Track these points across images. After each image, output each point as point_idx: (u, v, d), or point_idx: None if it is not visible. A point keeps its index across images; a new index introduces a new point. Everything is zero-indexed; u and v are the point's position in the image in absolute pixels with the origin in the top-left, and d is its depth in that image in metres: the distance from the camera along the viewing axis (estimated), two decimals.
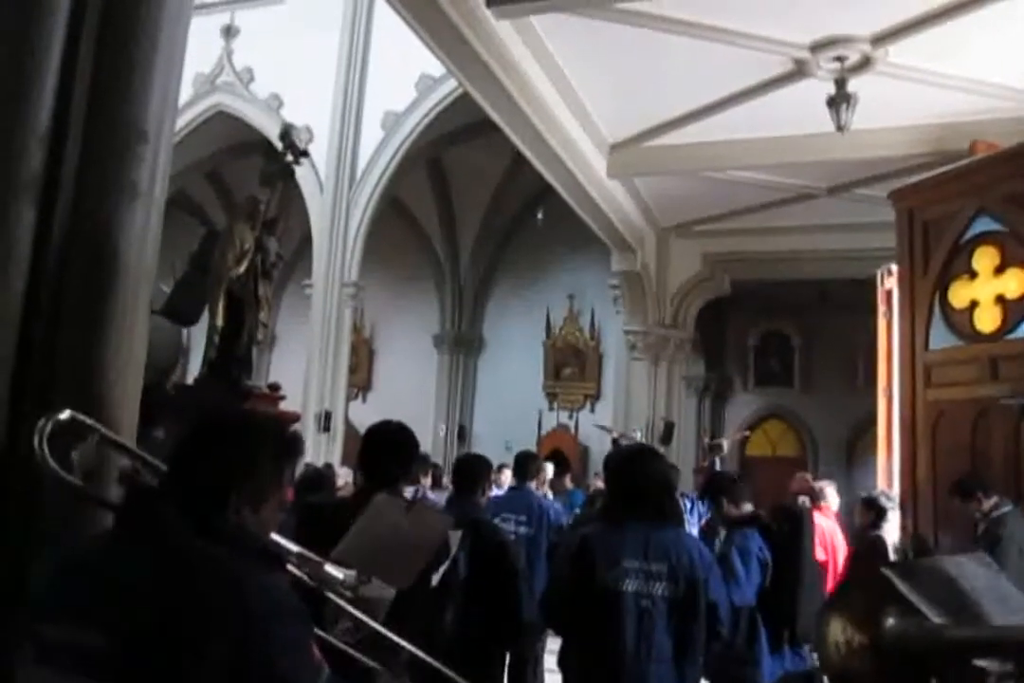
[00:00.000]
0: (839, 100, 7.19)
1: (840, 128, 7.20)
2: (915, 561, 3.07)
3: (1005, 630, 0.99)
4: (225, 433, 1.47)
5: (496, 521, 4.06)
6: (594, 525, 2.94)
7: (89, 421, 1.73)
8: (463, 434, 15.28)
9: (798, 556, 3.49)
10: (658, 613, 2.59)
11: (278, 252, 2.30)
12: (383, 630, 1.69)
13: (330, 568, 1.61)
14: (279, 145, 3.31)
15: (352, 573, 1.63)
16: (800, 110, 7.59)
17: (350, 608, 1.63)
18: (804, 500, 7.83)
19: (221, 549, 1.31)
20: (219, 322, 2.11)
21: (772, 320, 14.40)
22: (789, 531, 3.53)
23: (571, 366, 15.16)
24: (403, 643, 1.71)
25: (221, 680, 1.20)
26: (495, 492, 5.57)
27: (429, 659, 1.75)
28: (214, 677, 1.20)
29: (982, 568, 1.19)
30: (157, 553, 1.29)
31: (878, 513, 4.51)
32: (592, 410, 14.86)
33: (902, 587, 1.00)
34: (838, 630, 1.03)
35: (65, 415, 1.70)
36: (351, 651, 1.67)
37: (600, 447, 13.47)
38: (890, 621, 0.99)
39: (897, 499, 5.02)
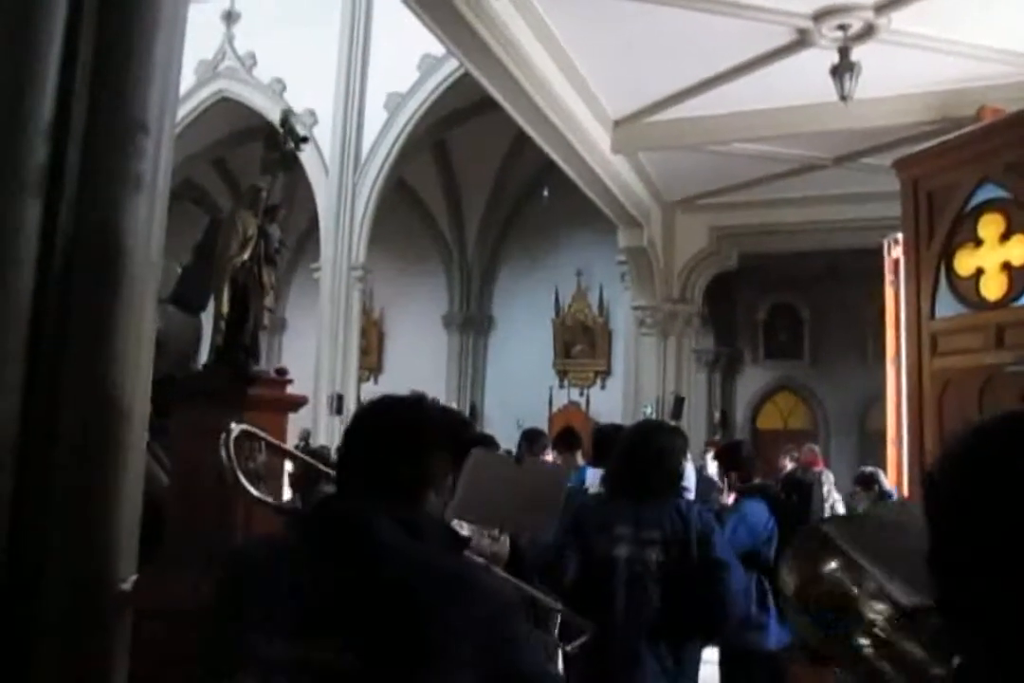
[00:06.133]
0: (843, 69, 7.14)
1: (844, 98, 7.15)
2: (860, 512, 3.12)
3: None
4: (406, 430, 1.40)
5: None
6: (593, 494, 3.01)
7: (261, 434, 1.85)
8: (474, 413, 15.38)
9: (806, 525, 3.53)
10: (651, 579, 2.65)
11: (281, 238, 2.34)
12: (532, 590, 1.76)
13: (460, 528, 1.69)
14: (298, 132, 3.33)
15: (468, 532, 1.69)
16: (804, 80, 7.55)
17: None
18: (822, 469, 7.91)
19: (434, 548, 1.29)
20: (224, 309, 2.16)
21: (781, 293, 14.37)
22: (798, 501, 3.58)
23: (580, 343, 15.19)
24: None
25: None
26: None
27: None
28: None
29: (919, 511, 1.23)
30: (377, 561, 1.24)
31: (880, 484, 4.55)
32: (603, 387, 14.91)
33: (839, 540, 1.04)
34: (785, 574, 1.08)
35: (238, 429, 1.87)
36: None
37: None
38: (826, 569, 1.03)
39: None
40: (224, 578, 1.38)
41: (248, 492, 1.73)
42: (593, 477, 4.09)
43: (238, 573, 1.37)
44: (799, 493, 3.65)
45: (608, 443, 4.09)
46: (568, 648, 1.78)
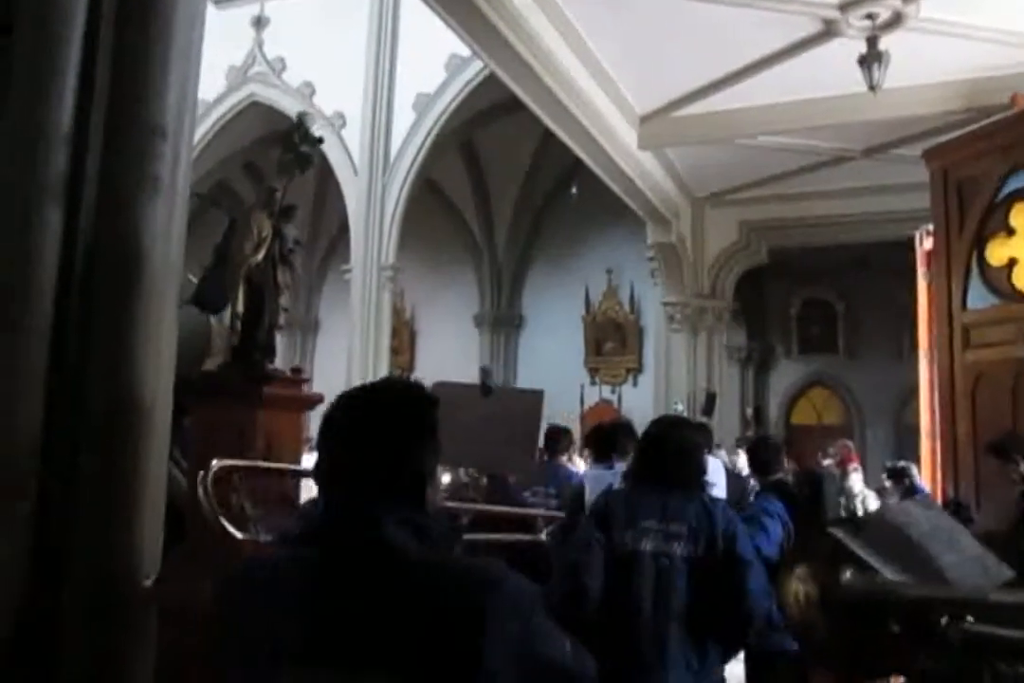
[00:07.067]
0: (871, 59, 7.04)
1: (873, 88, 7.06)
2: (864, 516, 3.10)
3: (950, 591, 1.02)
4: (401, 426, 1.27)
5: (526, 494, 4.14)
6: (619, 488, 3.01)
7: (240, 463, 1.82)
8: None
9: (819, 520, 3.51)
10: (677, 573, 2.64)
11: (296, 238, 2.38)
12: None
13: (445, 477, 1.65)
14: (312, 133, 3.37)
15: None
16: (831, 71, 7.46)
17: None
18: (855, 465, 7.79)
19: (448, 552, 1.24)
20: (240, 309, 2.20)
21: (813, 287, 14.21)
22: (810, 495, 3.55)
23: (612, 341, 15.13)
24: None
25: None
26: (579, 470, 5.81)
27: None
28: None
29: (927, 510, 1.23)
30: (407, 580, 1.16)
31: (911, 480, 4.51)
32: (635, 384, 14.84)
33: (851, 544, 1.04)
34: (798, 583, 1.08)
35: (217, 466, 1.81)
36: None
37: (643, 422, 13.45)
38: (845, 577, 1.03)
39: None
40: (233, 605, 1.28)
41: (232, 536, 1.65)
42: (584, 472, 4.10)
43: (250, 600, 1.25)
44: (811, 487, 3.62)
45: (609, 441, 4.10)
46: (543, 536, 1.76)
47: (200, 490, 1.60)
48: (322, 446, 1.28)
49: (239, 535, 1.62)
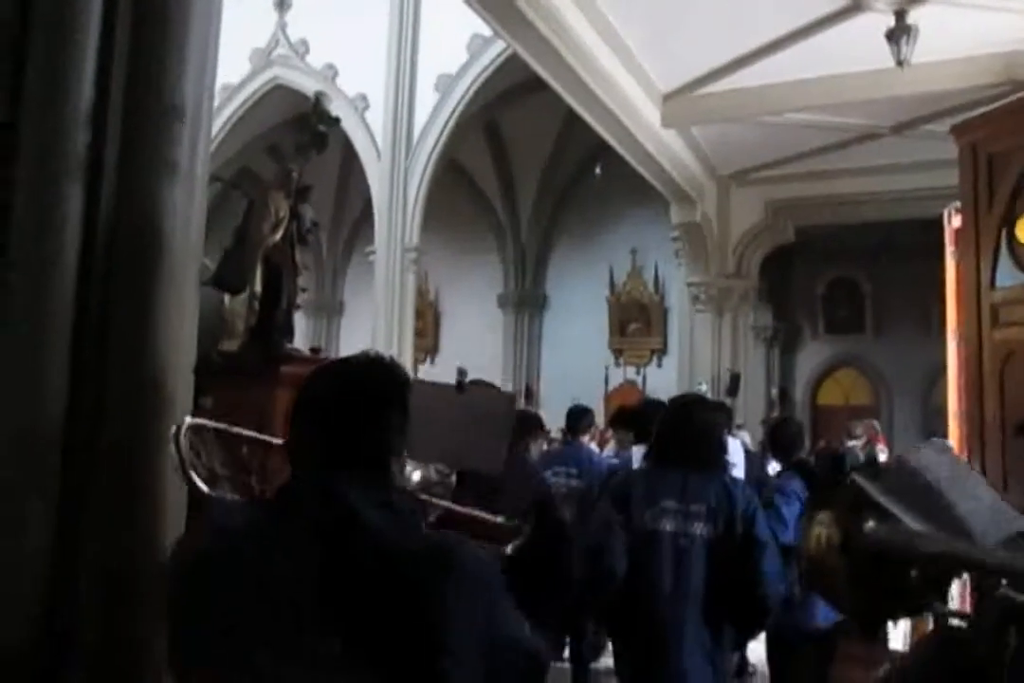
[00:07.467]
0: (899, 33, 6.91)
1: (901, 63, 6.93)
2: (884, 462, 3.07)
3: (969, 551, 1.02)
4: (367, 397, 1.27)
5: (547, 474, 4.17)
6: (638, 468, 3.02)
7: (210, 424, 1.85)
8: (530, 393, 15.41)
9: None
10: (696, 553, 2.64)
11: (313, 218, 2.40)
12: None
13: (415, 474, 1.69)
14: (328, 113, 3.38)
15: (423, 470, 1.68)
16: (858, 46, 7.32)
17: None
18: (881, 447, 7.74)
19: (413, 525, 1.24)
20: (258, 289, 2.22)
21: (839, 266, 14.05)
22: (831, 474, 3.54)
23: (636, 321, 15.09)
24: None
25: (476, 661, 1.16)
26: (607, 452, 5.91)
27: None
28: (472, 662, 1.16)
29: (943, 456, 1.23)
30: (373, 551, 1.16)
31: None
32: (659, 365, 14.80)
33: (872, 491, 1.04)
34: (819, 527, 1.09)
35: (188, 423, 1.83)
36: None
37: None
38: (868, 525, 1.03)
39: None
40: (212, 582, 1.23)
41: (200, 489, 1.68)
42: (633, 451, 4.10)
43: (215, 571, 1.23)
44: (832, 466, 3.60)
45: (645, 420, 4.11)
46: (508, 550, 1.77)
47: (172, 445, 1.65)
48: (293, 420, 1.28)
49: (205, 489, 1.67)
